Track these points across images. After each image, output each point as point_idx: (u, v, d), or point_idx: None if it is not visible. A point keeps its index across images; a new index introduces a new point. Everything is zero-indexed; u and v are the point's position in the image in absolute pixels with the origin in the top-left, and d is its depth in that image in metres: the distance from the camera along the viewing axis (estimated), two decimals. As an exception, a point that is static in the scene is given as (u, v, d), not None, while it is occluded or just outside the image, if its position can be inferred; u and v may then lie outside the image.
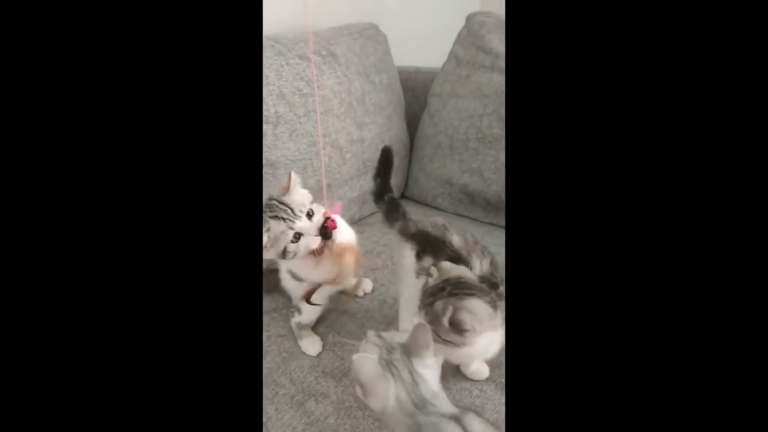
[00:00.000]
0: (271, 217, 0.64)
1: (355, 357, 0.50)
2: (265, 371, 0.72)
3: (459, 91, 1.14)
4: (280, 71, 0.95)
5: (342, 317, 0.83)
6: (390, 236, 1.07)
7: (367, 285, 0.88)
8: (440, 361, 0.54)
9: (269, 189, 0.94)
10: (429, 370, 0.52)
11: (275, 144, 0.94)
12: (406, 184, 1.30)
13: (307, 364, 0.73)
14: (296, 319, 0.77)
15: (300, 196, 0.67)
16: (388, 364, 0.51)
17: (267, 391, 0.69)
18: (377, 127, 1.14)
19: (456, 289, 0.58)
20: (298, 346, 0.76)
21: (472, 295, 0.57)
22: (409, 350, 0.52)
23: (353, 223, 1.14)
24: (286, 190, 0.67)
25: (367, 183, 1.15)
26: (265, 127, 0.92)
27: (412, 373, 0.50)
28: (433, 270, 0.63)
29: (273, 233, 0.64)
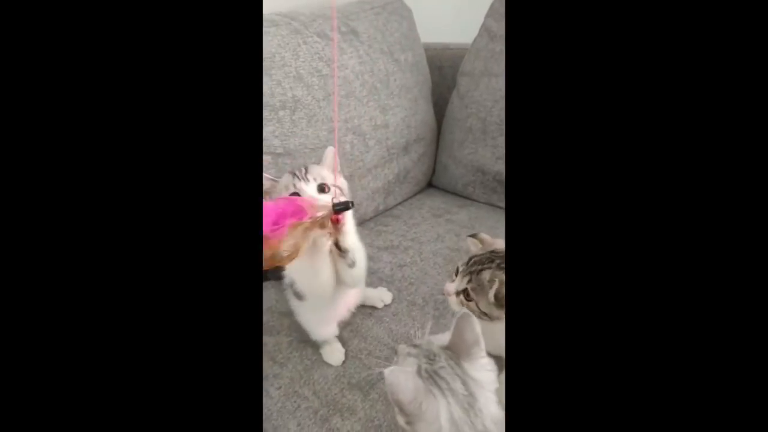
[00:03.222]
0: (289, 172, 0.62)
1: (387, 372, 0.39)
2: (286, 381, 0.67)
3: (493, 68, 1.04)
4: (297, 51, 0.86)
5: (368, 321, 0.76)
6: (417, 230, 1.00)
7: (386, 296, 0.79)
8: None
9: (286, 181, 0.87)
10: (485, 372, 0.42)
11: (293, 131, 0.86)
12: (434, 171, 1.21)
13: (332, 374, 0.67)
14: (312, 337, 0.71)
15: (327, 172, 0.63)
16: (431, 376, 0.41)
17: (288, 404, 0.64)
18: (402, 111, 1.05)
19: (505, 263, 0.54)
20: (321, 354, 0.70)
21: None
22: (456, 352, 0.42)
23: (377, 214, 1.07)
24: (321, 161, 0.65)
25: (392, 172, 1.07)
26: (281, 113, 0.84)
27: (465, 381, 0.40)
28: (474, 241, 0.60)
29: (281, 184, 0.61)
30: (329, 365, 0.69)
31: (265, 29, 0.84)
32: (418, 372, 0.41)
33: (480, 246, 0.61)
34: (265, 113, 0.83)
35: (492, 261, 0.56)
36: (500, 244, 0.60)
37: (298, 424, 0.61)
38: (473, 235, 0.63)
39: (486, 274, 0.55)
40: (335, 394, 0.64)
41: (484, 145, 1.06)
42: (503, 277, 0.53)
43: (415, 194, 1.18)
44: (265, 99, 0.82)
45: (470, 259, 0.58)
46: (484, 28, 1.09)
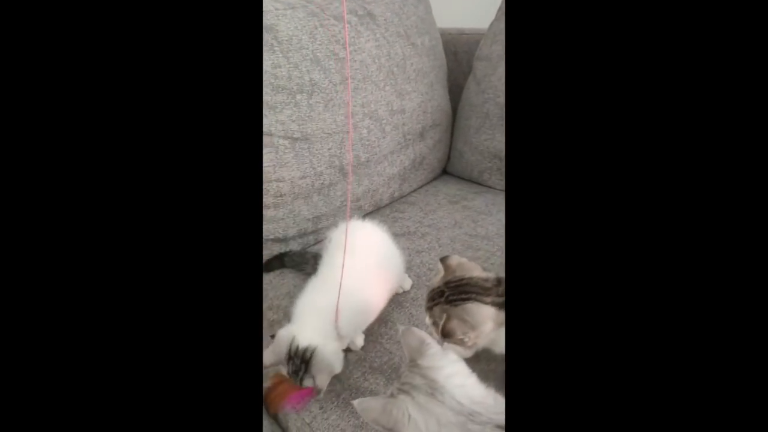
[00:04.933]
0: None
1: (356, 403, 0.43)
2: (307, 365, 0.66)
3: (511, 52, 1.02)
4: (313, 33, 0.85)
5: (388, 306, 0.75)
6: (434, 216, 0.99)
7: (406, 282, 0.79)
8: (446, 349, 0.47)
9: (303, 166, 0.86)
10: (439, 358, 0.44)
11: (310, 115, 0.85)
12: (449, 158, 1.20)
13: (353, 357, 0.67)
14: None
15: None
16: (399, 389, 0.44)
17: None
18: (419, 96, 1.04)
19: (454, 294, 0.54)
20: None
21: (468, 299, 0.53)
22: (413, 359, 0.45)
23: (393, 201, 1.07)
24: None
25: (408, 158, 1.06)
26: (299, 96, 0.83)
27: (423, 374, 0.43)
28: (439, 266, 0.60)
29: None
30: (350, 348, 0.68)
31: (281, 12, 0.82)
32: (390, 395, 0.45)
33: (441, 274, 0.59)
34: (283, 97, 0.82)
35: (442, 294, 0.55)
36: (460, 271, 0.57)
37: (321, 407, 0.61)
38: (443, 259, 0.60)
39: (437, 310, 0.55)
40: (357, 377, 0.64)
41: (501, 131, 1.05)
42: (451, 310, 0.53)
43: (431, 181, 1.17)
44: (282, 82, 0.81)
45: (427, 296, 0.58)
46: (502, 12, 1.07)
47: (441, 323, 0.53)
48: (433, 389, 0.42)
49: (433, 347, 0.45)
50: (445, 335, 0.53)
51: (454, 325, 0.52)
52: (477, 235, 0.90)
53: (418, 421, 0.41)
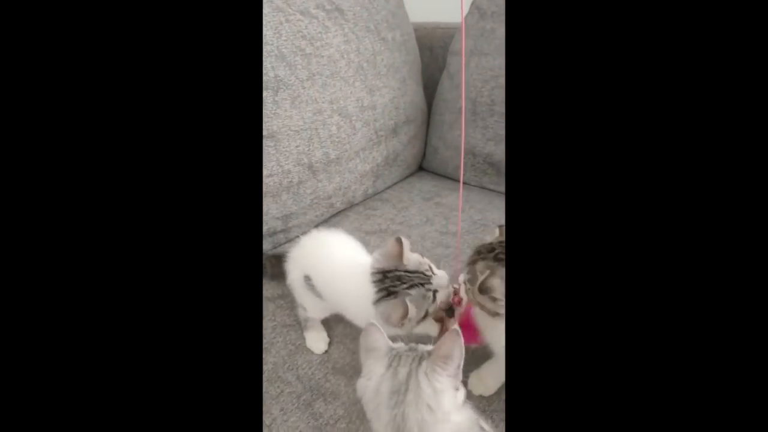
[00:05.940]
0: (405, 290, 0.56)
1: (369, 322, 0.45)
2: (269, 366, 0.66)
3: (483, 47, 1.01)
4: (278, 29, 0.83)
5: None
6: (407, 214, 0.98)
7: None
8: (459, 391, 0.44)
9: (270, 164, 0.85)
10: (435, 387, 0.41)
11: (276, 113, 0.84)
12: (424, 154, 1.19)
13: (316, 359, 0.66)
14: (303, 314, 0.69)
15: (414, 256, 0.60)
16: (396, 356, 0.44)
17: (272, 389, 0.63)
18: (391, 92, 1.02)
19: (505, 254, 0.52)
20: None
21: None
22: (428, 355, 0.44)
23: (366, 198, 1.06)
24: (399, 256, 0.58)
25: (380, 155, 1.05)
26: (263, 93, 0.82)
27: (410, 374, 0.42)
28: (497, 230, 0.59)
29: (415, 304, 0.55)
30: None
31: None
32: (390, 349, 0.45)
33: (496, 235, 0.58)
34: (247, 94, 0.80)
35: (492, 251, 0.53)
36: None
37: (281, 409, 0.60)
38: (502, 226, 0.59)
39: (481, 265, 0.53)
40: (319, 378, 0.63)
41: (474, 126, 1.04)
42: (497, 268, 0.51)
43: (406, 177, 1.16)
44: (246, 79, 0.80)
45: (474, 249, 0.57)
46: (475, 6, 1.06)
47: (482, 278, 0.51)
48: (396, 392, 0.42)
49: (446, 376, 0.42)
50: (483, 290, 0.51)
51: (496, 282, 0.50)
52: (448, 232, 0.90)
53: (369, 389, 0.43)
